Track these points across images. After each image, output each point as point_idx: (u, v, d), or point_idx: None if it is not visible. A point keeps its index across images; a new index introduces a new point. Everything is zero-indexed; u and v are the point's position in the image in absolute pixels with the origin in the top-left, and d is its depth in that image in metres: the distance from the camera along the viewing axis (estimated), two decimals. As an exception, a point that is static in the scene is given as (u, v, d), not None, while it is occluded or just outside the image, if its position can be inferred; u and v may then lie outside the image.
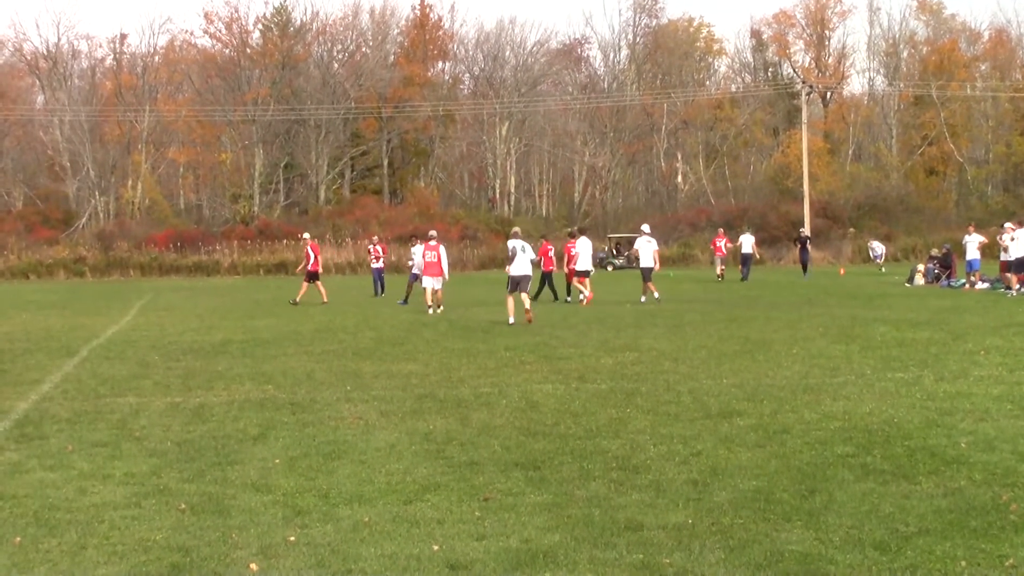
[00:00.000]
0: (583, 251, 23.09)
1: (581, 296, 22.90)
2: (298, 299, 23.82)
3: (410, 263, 24.88)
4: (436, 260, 20.88)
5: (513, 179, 64.68)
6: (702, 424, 7.78)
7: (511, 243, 18.39)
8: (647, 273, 22.87)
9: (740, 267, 34.71)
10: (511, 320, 17.29)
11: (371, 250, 28.75)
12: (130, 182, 58.93)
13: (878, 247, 42.75)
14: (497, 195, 63.64)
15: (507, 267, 18.29)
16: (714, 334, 14.71)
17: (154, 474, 6.46)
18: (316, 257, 24.47)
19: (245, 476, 6.34)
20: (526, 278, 18.09)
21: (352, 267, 48.55)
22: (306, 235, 26.18)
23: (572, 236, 24.45)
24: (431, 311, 20.42)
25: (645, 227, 24.15)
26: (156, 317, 20.59)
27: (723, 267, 34.56)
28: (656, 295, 22.70)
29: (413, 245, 25.53)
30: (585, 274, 22.95)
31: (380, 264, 28.19)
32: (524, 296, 17.92)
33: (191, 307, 24.24)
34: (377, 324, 17.84)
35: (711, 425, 7.73)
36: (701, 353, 12.37)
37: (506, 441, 7.27)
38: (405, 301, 23.55)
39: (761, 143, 66.43)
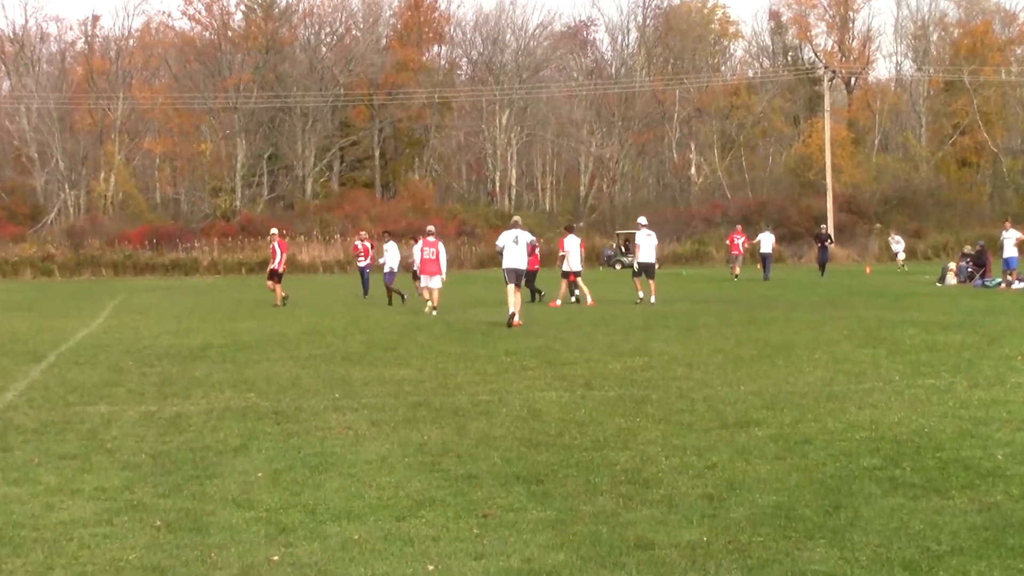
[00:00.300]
0: (571, 249, 23.09)
1: (575, 297, 22.97)
2: (278, 301, 23.83)
3: (381, 261, 24.93)
4: (434, 258, 20.96)
5: (514, 171, 64.73)
6: (718, 434, 7.76)
7: (502, 236, 18.42)
8: (650, 269, 22.90)
9: (760, 267, 34.70)
10: (511, 311, 17.31)
11: (357, 247, 28.58)
12: (102, 174, 58.94)
13: (899, 242, 41.94)
14: (497, 188, 63.68)
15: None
16: (731, 337, 14.71)
17: (127, 489, 6.44)
18: (283, 255, 24.33)
19: (225, 491, 6.33)
20: (521, 271, 18.14)
21: (341, 265, 48.61)
22: (273, 231, 26.02)
23: (568, 230, 24.68)
24: (427, 310, 20.49)
25: (642, 219, 24.28)
26: (130, 319, 20.58)
27: (739, 266, 34.58)
28: (641, 296, 22.69)
29: (386, 242, 25.46)
30: (576, 274, 22.97)
31: (367, 262, 28.13)
32: (517, 295, 17.87)
33: (167, 308, 24.24)
34: (368, 327, 17.85)
35: (727, 435, 7.71)
36: (717, 358, 12.37)
37: (506, 453, 7.26)
38: (390, 302, 23.83)
39: (780, 132, 66.43)
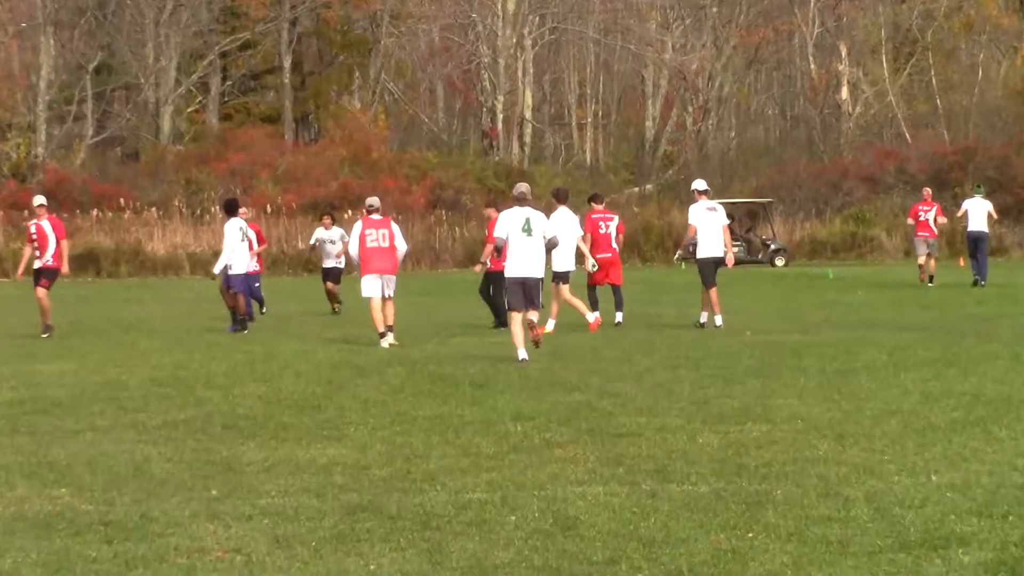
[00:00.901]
0: (561, 232, 23.16)
1: (555, 320, 23.45)
2: (48, 320, 23.78)
3: (221, 268, 25.09)
4: (388, 246, 21.29)
5: (529, 94, 64.76)
6: (892, 560, 7.74)
7: (505, 218, 18.77)
8: (710, 273, 23.39)
9: (968, 259, 34.54)
10: (522, 356, 17.66)
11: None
12: None
13: None
14: (499, 125, 63.72)
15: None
16: (913, 389, 14.71)
17: None
18: (58, 244, 24.12)
19: (14, 662, 6.28)
20: (536, 284, 18.53)
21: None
22: (39, 200, 25.50)
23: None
24: (384, 341, 20.73)
25: (700, 183, 24.80)
26: None
27: (932, 259, 34.41)
28: (719, 320, 23.15)
29: (236, 217, 25.34)
30: (563, 278, 23.06)
31: (254, 265, 27.99)
32: (532, 313, 18.33)
33: (-83, 338, 24.22)
34: (270, 370, 17.87)
35: (910, 563, 7.69)
36: (888, 425, 12.36)
37: (516, 595, 7.22)
38: (246, 320, 24.64)
39: (998, 27, 66.38)
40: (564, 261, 23.02)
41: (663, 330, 23.29)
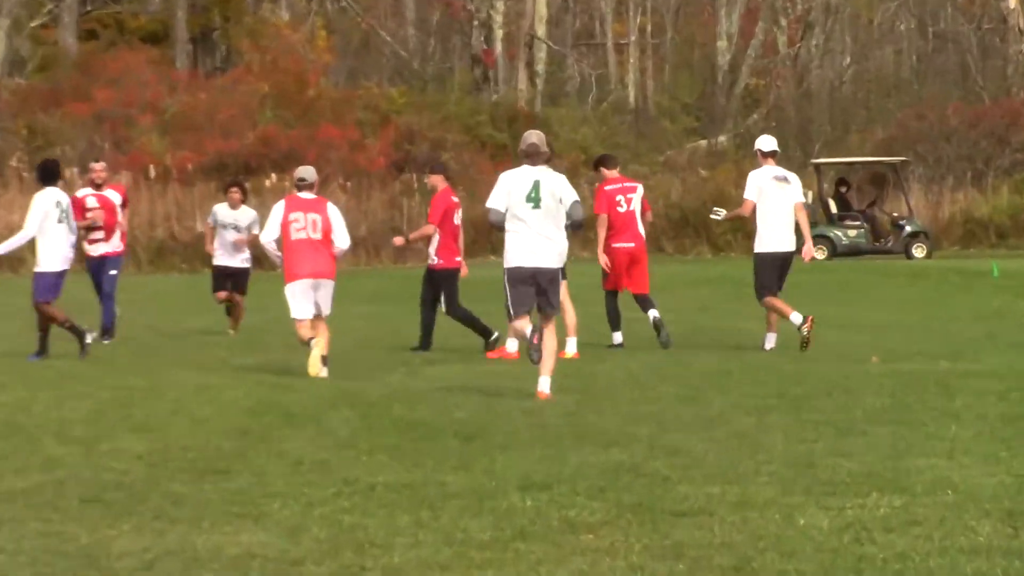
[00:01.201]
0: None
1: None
2: None
3: (26, 237, 25.24)
4: (321, 237, 21.99)
5: (543, 1, 64.88)
6: None
7: (504, 181, 19.14)
8: (769, 275, 24.02)
9: None
10: (530, 332, 18.07)
11: (83, 201, 28.82)
12: None
13: None
14: (497, 47, 63.91)
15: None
16: None
17: None
18: None
19: None
20: (552, 277, 18.94)
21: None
22: None
23: (599, 166, 26.15)
24: (315, 348, 21.27)
25: (765, 141, 25.21)
26: None
27: None
28: (805, 330, 23.62)
29: (53, 187, 25.52)
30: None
31: (115, 244, 28.20)
32: (548, 330, 18.67)
33: None
34: (153, 415, 17.99)
35: None
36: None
37: None
38: (41, 350, 25.10)
39: None
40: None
41: (745, 354, 23.36)
